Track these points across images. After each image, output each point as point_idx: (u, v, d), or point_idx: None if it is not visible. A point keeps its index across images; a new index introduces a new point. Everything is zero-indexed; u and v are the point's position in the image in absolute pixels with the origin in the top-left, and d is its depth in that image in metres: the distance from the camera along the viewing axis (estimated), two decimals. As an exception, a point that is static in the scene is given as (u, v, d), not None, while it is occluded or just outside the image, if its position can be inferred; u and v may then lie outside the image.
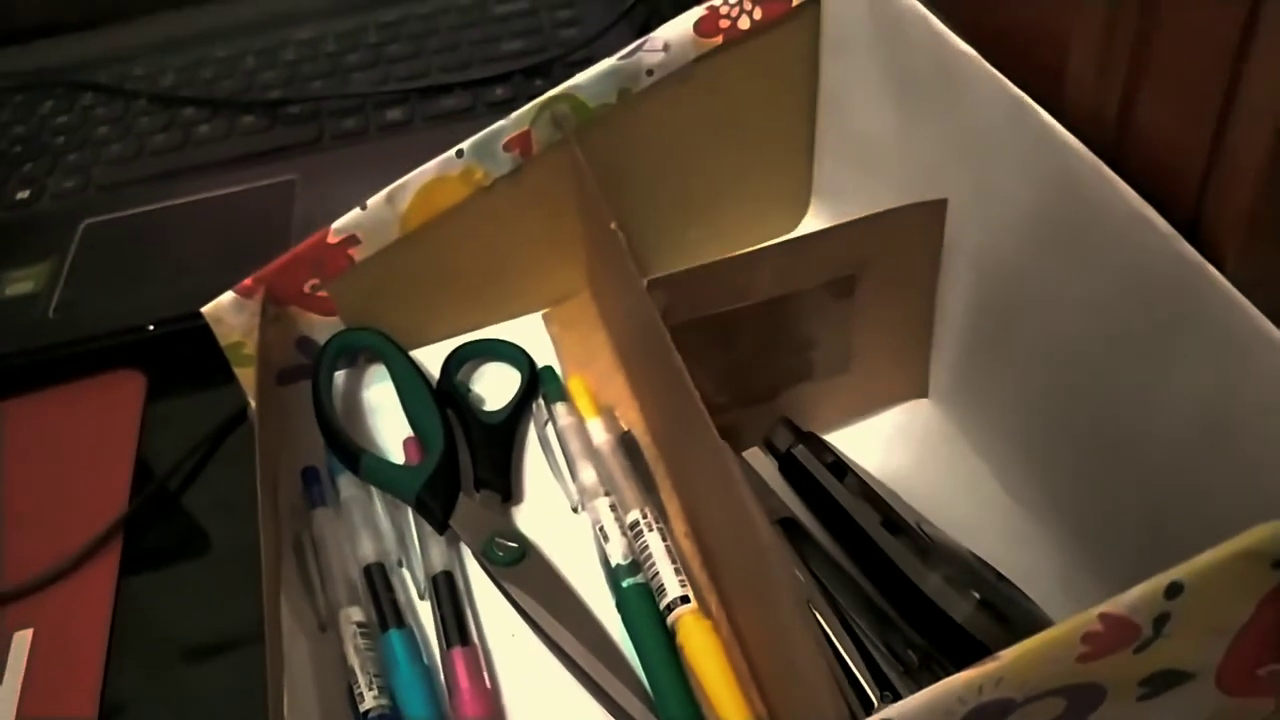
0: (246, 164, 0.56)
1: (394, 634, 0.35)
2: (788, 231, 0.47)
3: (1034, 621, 0.30)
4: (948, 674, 0.29)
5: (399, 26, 0.64)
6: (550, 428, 0.41)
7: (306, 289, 0.43)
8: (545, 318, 0.46)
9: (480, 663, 0.34)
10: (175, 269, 0.50)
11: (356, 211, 0.41)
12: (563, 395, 0.42)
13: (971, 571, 0.30)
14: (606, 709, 0.33)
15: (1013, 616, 0.29)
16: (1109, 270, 0.29)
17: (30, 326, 0.48)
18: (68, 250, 0.52)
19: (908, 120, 0.37)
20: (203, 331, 0.47)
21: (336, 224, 0.41)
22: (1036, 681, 0.21)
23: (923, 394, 0.40)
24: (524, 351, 0.44)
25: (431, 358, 0.45)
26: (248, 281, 0.42)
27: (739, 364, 0.36)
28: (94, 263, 0.51)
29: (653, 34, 0.40)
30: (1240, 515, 0.21)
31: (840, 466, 0.34)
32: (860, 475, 0.34)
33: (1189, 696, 0.23)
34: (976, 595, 0.28)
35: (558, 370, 0.43)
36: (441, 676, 0.34)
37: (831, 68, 0.41)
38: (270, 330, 0.42)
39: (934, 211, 0.34)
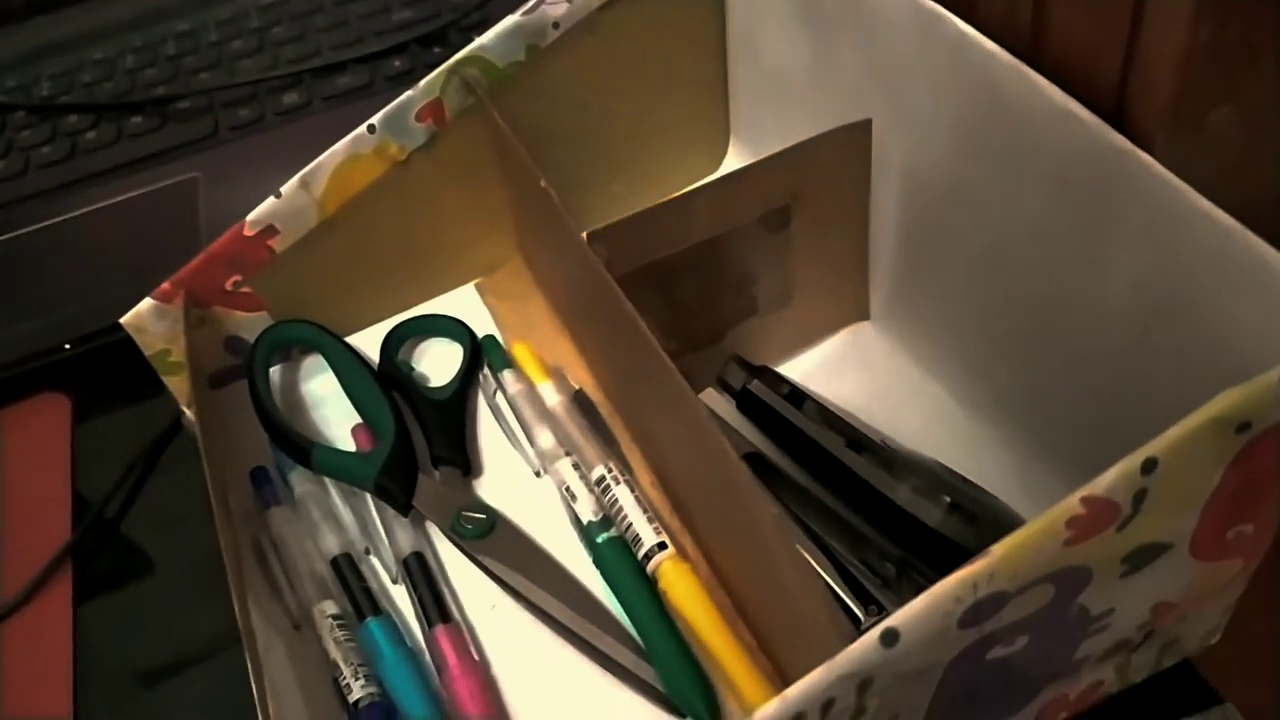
0: (142, 167, 0.53)
1: (372, 622, 0.34)
2: (710, 173, 0.47)
3: (1004, 518, 0.30)
4: (927, 581, 0.30)
5: (281, 8, 0.62)
6: (500, 397, 0.41)
7: (229, 287, 0.41)
8: (478, 288, 0.45)
9: (465, 638, 0.34)
10: (84, 284, 0.48)
11: (271, 200, 0.40)
12: (508, 363, 0.41)
13: (938, 478, 0.31)
14: (599, 664, 0.33)
15: (982, 516, 0.30)
16: (1038, 170, 0.29)
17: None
18: (-36, 279, 0.50)
19: (821, 50, 0.37)
20: (124, 345, 0.45)
21: (251, 216, 0.40)
22: (1026, 572, 0.22)
23: (864, 317, 0.40)
24: (462, 324, 0.43)
25: (368, 342, 0.44)
26: (165, 286, 0.40)
27: (684, 308, 0.36)
28: (-5, 289, 0.49)
29: (554, -15, 0.40)
30: (1188, 390, 0.22)
31: (798, 395, 0.35)
32: (818, 401, 0.34)
33: (1167, 568, 0.24)
34: (947, 499, 0.29)
35: (499, 339, 0.43)
36: (427, 657, 0.34)
37: (738, 5, 0.41)
38: (196, 334, 0.40)
39: (859, 134, 0.34)
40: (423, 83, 0.40)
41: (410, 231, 0.43)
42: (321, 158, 0.40)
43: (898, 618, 0.21)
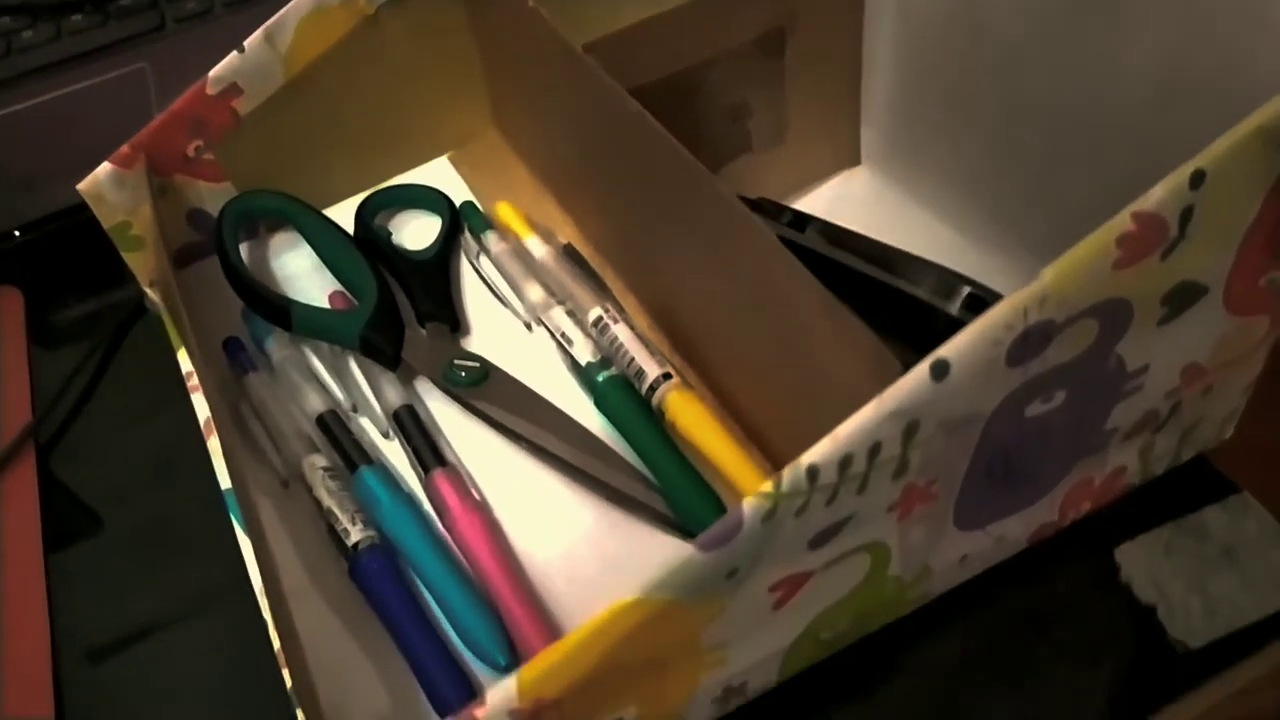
0: (84, 62, 0.50)
1: (365, 470, 0.33)
2: None
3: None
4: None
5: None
6: (483, 260, 0.39)
7: (190, 152, 0.39)
8: (452, 160, 0.44)
9: (464, 480, 0.33)
10: (32, 175, 0.45)
11: (234, 55, 0.38)
12: (489, 226, 0.40)
13: (957, 275, 0.30)
14: (606, 499, 0.32)
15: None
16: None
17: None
18: (-105, 173, 0.46)
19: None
20: (76, 232, 0.43)
21: (213, 73, 0.38)
22: (1075, 298, 0.21)
23: (856, 162, 0.39)
24: (439, 192, 0.41)
25: (339, 216, 0.42)
26: (124, 149, 0.38)
27: (680, 138, 0.35)
28: (-68, 182, 0.46)
29: None
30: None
31: (801, 219, 0.34)
32: (822, 221, 0.33)
33: (1200, 319, 0.24)
34: (966, 289, 0.28)
35: (478, 205, 0.41)
36: (426, 506, 0.33)
37: None
38: (159, 203, 0.38)
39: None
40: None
41: (380, 99, 0.41)
42: (286, 9, 0.38)
43: (948, 348, 0.21)
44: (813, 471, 0.21)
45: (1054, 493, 0.27)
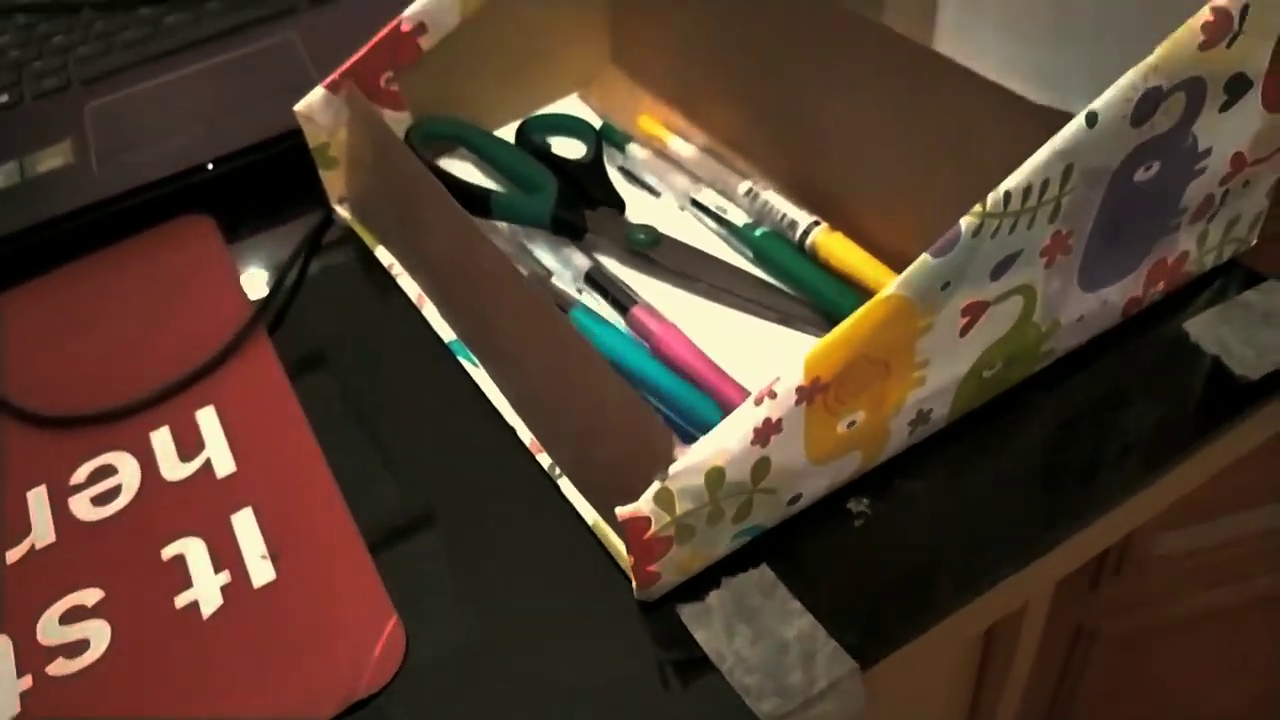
0: (229, 38, 0.58)
1: (575, 312, 0.40)
2: None
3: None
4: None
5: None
6: (629, 163, 0.47)
7: (383, 83, 0.47)
8: (581, 97, 0.52)
9: (660, 312, 0.40)
10: (210, 120, 0.52)
11: (423, -1, 0.46)
12: (629, 141, 0.48)
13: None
14: (777, 320, 0.40)
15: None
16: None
17: (80, 188, 0.49)
18: (84, 129, 0.53)
19: None
20: (257, 167, 0.50)
21: (407, 12, 0.46)
22: (1175, 70, 0.30)
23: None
24: (582, 119, 0.49)
25: (491, 144, 0.50)
26: (335, 76, 0.45)
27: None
28: (118, 131, 0.52)
29: None
30: None
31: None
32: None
33: (1246, 109, 0.33)
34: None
35: (615, 127, 0.49)
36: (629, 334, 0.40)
37: None
38: (357, 124, 0.46)
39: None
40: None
41: (524, 38, 0.49)
42: (465, -40, 0.46)
43: (1097, 103, 0.29)
44: (1007, 196, 0.29)
45: (1141, 267, 0.36)
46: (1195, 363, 0.37)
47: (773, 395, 0.29)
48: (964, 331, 0.32)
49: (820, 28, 0.38)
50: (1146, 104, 0.30)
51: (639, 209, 0.46)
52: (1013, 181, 0.29)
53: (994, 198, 0.29)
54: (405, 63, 0.47)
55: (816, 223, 0.41)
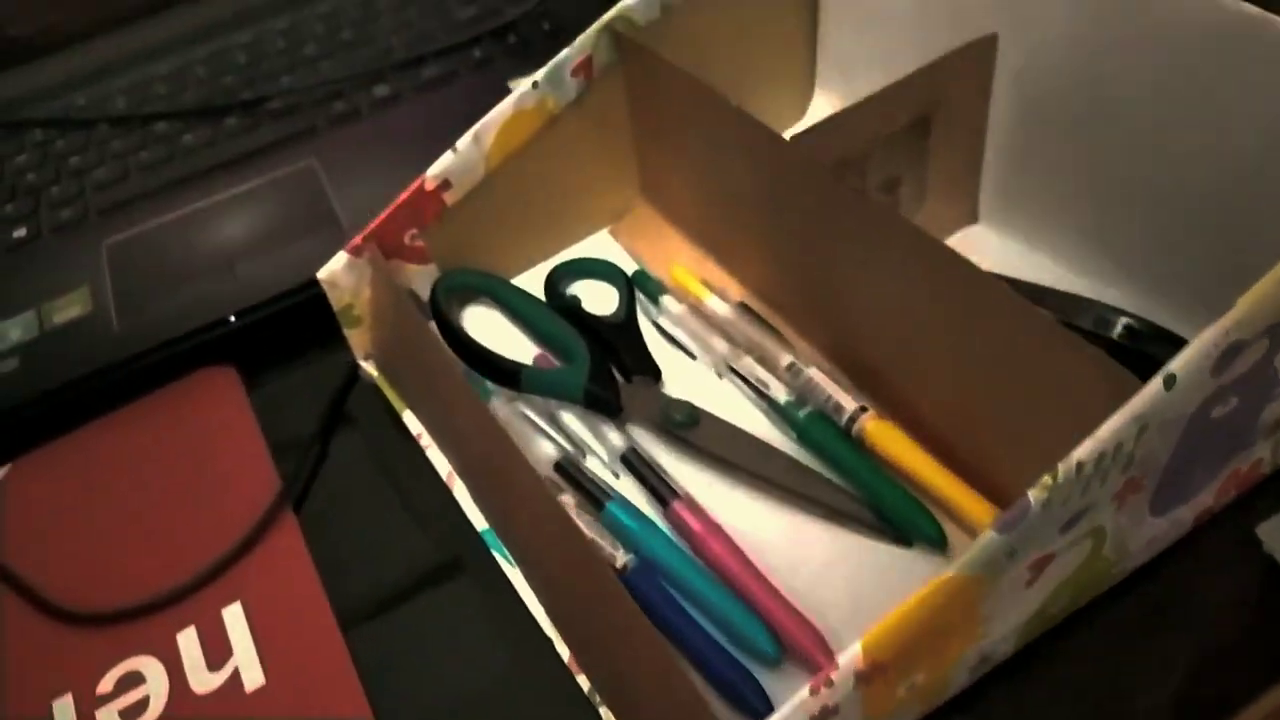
0: (249, 163, 0.56)
1: (612, 505, 0.38)
2: (797, 119, 0.53)
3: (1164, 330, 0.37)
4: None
5: (341, 15, 0.66)
6: (663, 319, 0.45)
7: (406, 240, 0.45)
8: (612, 233, 0.50)
9: (701, 507, 0.38)
10: (229, 262, 0.50)
11: (449, 155, 0.44)
12: (663, 291, 0.46)
13: (1109, 307, 0.37)
14: (823, 516, 0.38)
15: (1152, 332, 0.36)
16: (1166, 49, 0.35)
17: (99, 344, 0.48)
18: (100, 271, 0.52)
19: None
20: (284, 314, 0.49)
21: (431, 170, 0.44)
22: (1258, 322, 0.28)
23: (974, 220, 0.46)
24: (613, 264, 0.48)
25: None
26: (358, 240, 0.44)
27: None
28: (136, 276, 0.51)
29: (686, -51, 0.45)
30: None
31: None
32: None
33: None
34: (1125, 318, 0.35)
35: (648, 272, 0.47)
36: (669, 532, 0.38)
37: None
38: (380, 286, 0.44)
39: (987, 46, 0.40)
40: (576, 41, 0.45)
41: (553, 183, 0.48)
42: (492, 114, 0.44)
43: (1176, 363, 0.27)
44: (1080, 466, 0.27)
45: (1214, 482, 0.34)
46: (1270, 574, 0.35)
47: (830, 684, 0.27)
48: (1030, 583, 0.30)
49: (854, 219, 0.36)
50: (1227, 358, 0.28)
51: (674, 369, 0.44)
52: (1085, 451, 0.27)
53: (1065, 469, 0.27)
54: (430, 219, 0.45)
55: (863, 409, 0.39)
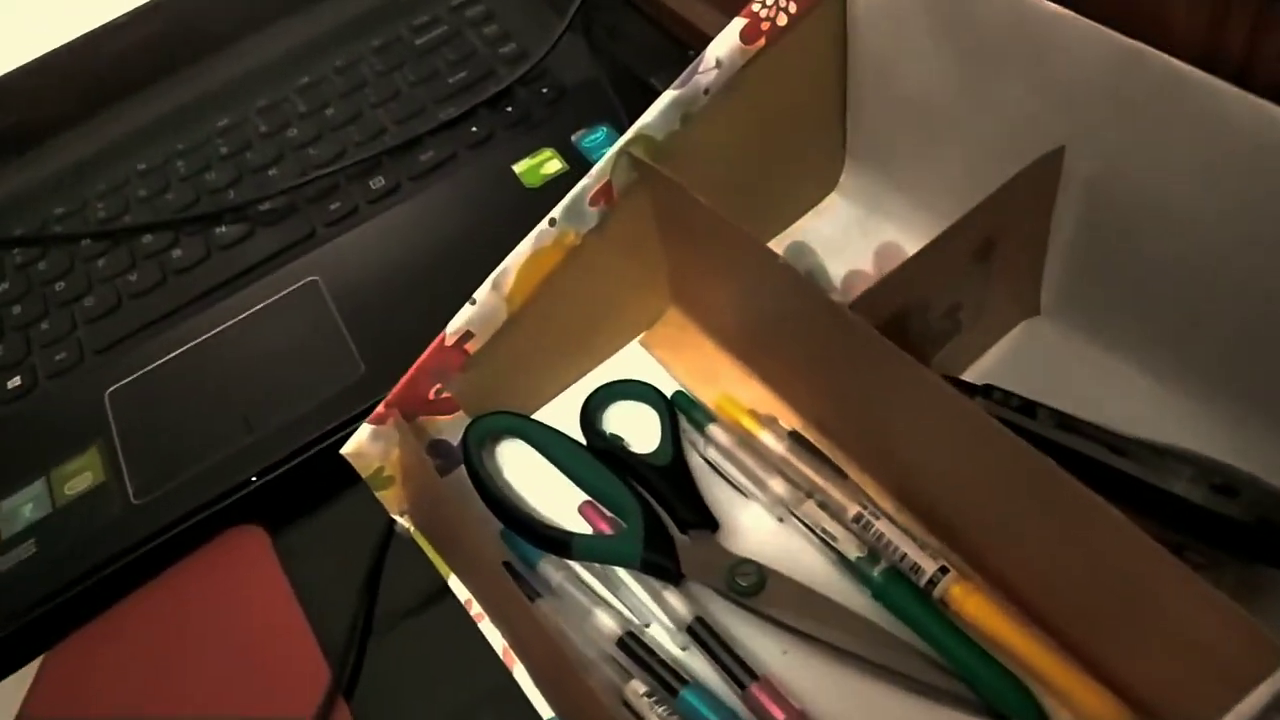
0: (247, 280, 0.53)
1: (687, 692, 0.36)
2: (824, 195, 0.50)
3: (1262, 485, 0.34)
4: (1203, 558, 0.33)
5: (322, 86, 0.61)
6: (711, 452, 0.43)
7: (432, 396, 0.42)
8: (644, 344, 0.47)
9: (779, 690, 0.36)
10: (243, 407, 0.47)
11: (467, 308, 0.41)
12: (707, 416, 0.43)
13: (1195, 462, 0.34)
14: (909, 690, 0.36)
15: (1243, 490, 0.34)
16: (1238, 175, 0.32)
17: (118, 519, 0.45)
18: (107, 428, 0.49)
19: (973, 75, 0.39)
20: (308, 463, 0.46)
21: (451, 326, 0.41)
22: None
23: (1035, 311, 0.43)
24: (651, 386, 0.45)
25: (551, 416, 0.45)
26: (380, 410, 0.41)
27: (905, 348, 0.39)
28: (145, 431, 0.48)
29: (704, 53, 0.41)
30: None
31: (1029, 406, 0.37)
32: (1048, 408, 0.37)
33: None
34: (1217, 482, 0.32)
35: (688, 394, 0.44)
36: (747, 715, 0.36)
37: (867, 35, 0.43)
38: (408, 450, 0.41)
39: (1053, 161, 0.37)
40: (594, 169, 0.41)
41: (581, 307, 0.45)
42: (509, 259, 0.41)
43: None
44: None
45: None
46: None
47: None
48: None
49: (918, 397, 0.33)
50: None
51: (730, 510, 0.41)
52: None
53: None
54: (454, 372, 0.42)
55: (944, 569, 0.36)
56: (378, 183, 0.55)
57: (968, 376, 0.43)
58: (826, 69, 0.45)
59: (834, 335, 0.35)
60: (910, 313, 0.37)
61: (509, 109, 0.56)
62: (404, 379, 0.41)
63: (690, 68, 0.41)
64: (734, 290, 0.42)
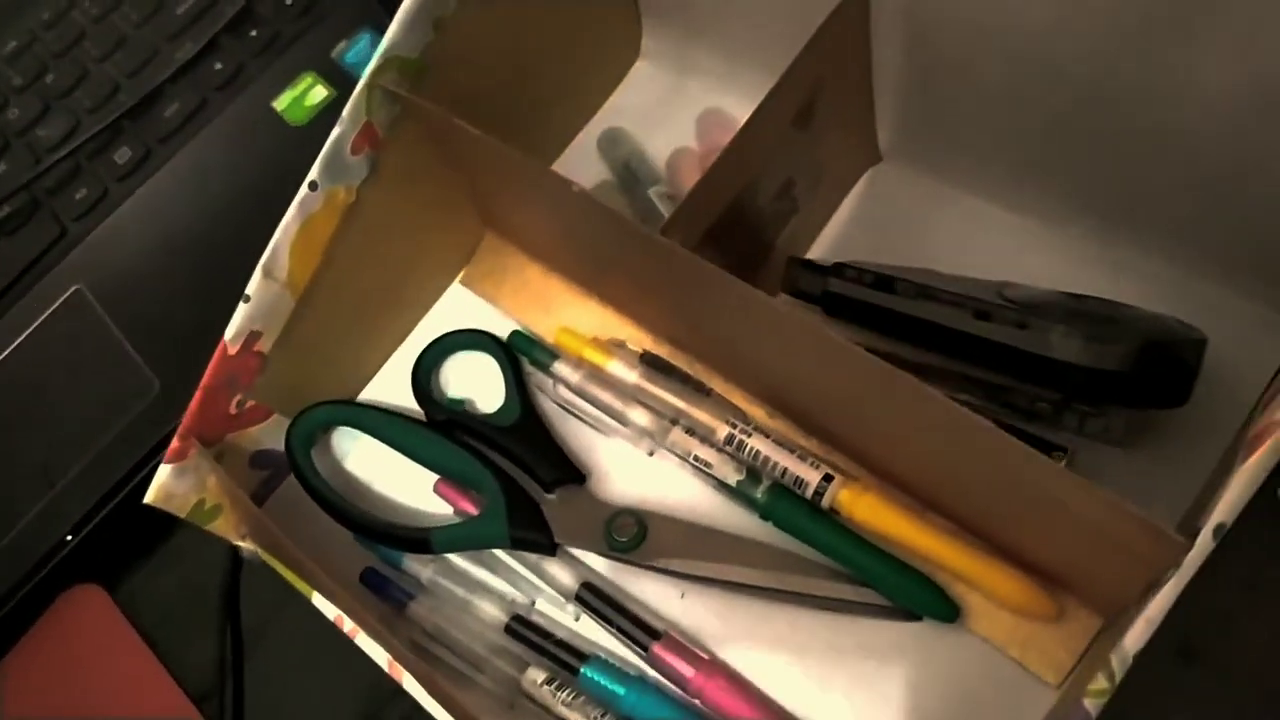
0: (8, 302, 0.45)
1: (587, 669, 0.34)
2: (630, 65, 0.44)
3: (1142, 325, 0.31)
4: (1091, 409, 0.31)
5: (33, 49, 0.52)
6: (561, 390, 0.38)
7: (233, 410, 0.37)
8: (464, 282, 0.42)
9: (683, 643, 0.34)
10: (39, 452, 0.41)
11: (241, 307, 0.35)
12: (550, 353, 0.39)
13: (1070, 313, 0.31)
14: (818, 608, 0.33)
15: (1124, 333, 0.31)
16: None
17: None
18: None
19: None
20: (125, 505, 0.41)
21: (230, 331, 0.35)
22: None
23: (877, 159, 0.39)
24: (483, 333, 0.40)
25: (384, 391, 0.41)
26: (175, 445, 0.35)
27: (741, 241, 0.34)
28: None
29: (438, -54, 0.34)
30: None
31: (886, 280, 0.34)
32: (906, 279, 0.34)
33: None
34: (1094, 339, 0.29)
35: (526, 332, 0.40)
36: (652, 674, 0.34)
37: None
38: (222, 467, 0.36)
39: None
40: (345, 113, 0.34)
41: (379, 267, 0.39)
42: (276, 237, 0.35)
43: (1223, 510, 0.22)
44: (1136, 656, 0.23)
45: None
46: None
47: None
48: None
49: (743, 310, 0.29)
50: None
51: (596, 452, 0.38)
52: (1138, 638, 0.22)
53: (1121, 661, 0.23)
54: (249, 378, 0.36)
55: (828, 477, 0.33)
56: (123, 155, 0.47)
57: (819, 246, 0.39)
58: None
59: (652, 262, 0.30)
60: (742, 207, 0.33)
61: (253, 32, 0.48)
62: (193, 403, 0.35)
63: (425, -31, 0.34)
64: (542, 217, 0.37)
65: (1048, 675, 0.31)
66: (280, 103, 0.46)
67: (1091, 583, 0.29)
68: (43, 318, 0.44)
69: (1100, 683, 0.23)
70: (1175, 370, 0.30)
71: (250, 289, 0.35)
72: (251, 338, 0.36)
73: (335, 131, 0.34)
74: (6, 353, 0.44)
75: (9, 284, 0.45)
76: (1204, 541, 0.22)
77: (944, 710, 0.32)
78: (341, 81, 0.46)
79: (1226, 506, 0.22)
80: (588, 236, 0.34)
